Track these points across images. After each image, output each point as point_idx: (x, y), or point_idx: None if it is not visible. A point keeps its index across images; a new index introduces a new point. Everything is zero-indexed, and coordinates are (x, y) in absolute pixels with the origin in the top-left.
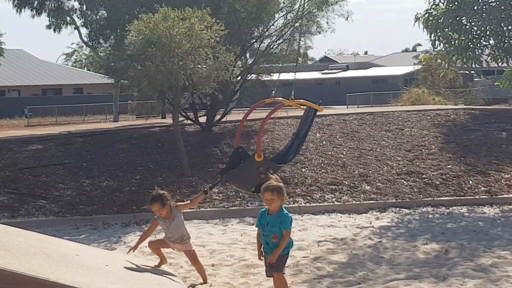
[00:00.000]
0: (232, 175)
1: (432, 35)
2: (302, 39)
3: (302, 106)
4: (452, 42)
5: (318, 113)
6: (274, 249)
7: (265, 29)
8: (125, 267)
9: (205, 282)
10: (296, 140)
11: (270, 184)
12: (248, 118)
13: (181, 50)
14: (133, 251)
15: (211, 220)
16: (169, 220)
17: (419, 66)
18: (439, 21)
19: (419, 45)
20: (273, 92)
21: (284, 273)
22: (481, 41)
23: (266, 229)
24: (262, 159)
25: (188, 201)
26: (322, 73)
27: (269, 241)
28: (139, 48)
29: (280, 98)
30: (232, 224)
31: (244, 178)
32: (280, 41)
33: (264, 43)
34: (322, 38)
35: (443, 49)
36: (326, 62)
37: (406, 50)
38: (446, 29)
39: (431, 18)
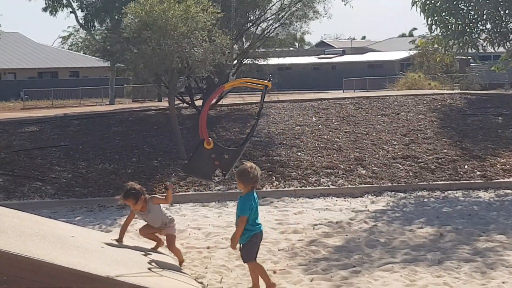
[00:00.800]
0: (189, 168)
1: (429, 19)
2: (298, 24)
3: (252, 84)
4: (449, 27)
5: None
6: None
7: (262, 13)
8: (121, 249)
9: (181, 262)
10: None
11: (238, 168)
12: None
13: (177, 33)
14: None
15: (207, 203)
16: (144, 213)
17: (416, 51)
18: (436, 5)
19: (415, 29)
20: (270, 75)
21: (255, 260)
22: (478, 25)
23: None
24: (212, 146)
25: (164, 197)
26: (319, 58)
27: (236, 224)
28: (135, 30)
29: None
30: (227, 207)
31: (199, 168)
32: (277, 25)
33: (260, 27)
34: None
35: (439, 34)
36: (322, 47)
37: (403, 35)
38: (443, 14)
39: (428, 2)
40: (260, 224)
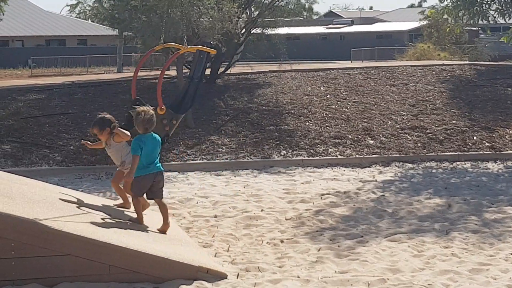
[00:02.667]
0: (136, 132)
1: None
2: None
3: (209, 49)
4: None
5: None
6: None
7: None
8: (128, 216)
9: (125, 206)
10: (191, 85)
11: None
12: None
13: (185, 0)
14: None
15: (214, 172)
16: (107, 146)
17: (425, 22)
18: None
19: (425, 1)
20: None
21: (140, 196)
22: None
23: None
24: (164, 112)
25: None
26: (327, 28)
27: None
28: None
29: (173, 44)
30: (235, 176)
31: None
32: None
33: None
34: None
35: (450, 4)
36: (331, 17)
37: (412, 6)
38: None
39: None
40: (155, 166)
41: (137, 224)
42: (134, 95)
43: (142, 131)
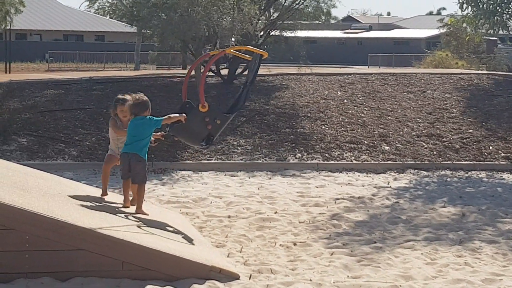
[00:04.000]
0: (178, 129)
1: None
2: None
3: (246, 56)
4: (480, 6)
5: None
6: None
7: None
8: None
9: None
10: (244, 89)
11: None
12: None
13: (206, 0)
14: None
15: (228, 172)
16: (122, 126)
17: (443, 30)
18: None
19: (444, 9)
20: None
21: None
22: (510, 5)
23: None
24: (206, 109)
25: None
26: (345, 33)
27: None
28: None
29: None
30: (249, 177)
31: (191, 131)
32: None
33: None
34: None
35: (470, 13)
36: (349, 22)
37: (431, 13)
38: None
39: None
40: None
41: (151, 222)
42: (185, 98)
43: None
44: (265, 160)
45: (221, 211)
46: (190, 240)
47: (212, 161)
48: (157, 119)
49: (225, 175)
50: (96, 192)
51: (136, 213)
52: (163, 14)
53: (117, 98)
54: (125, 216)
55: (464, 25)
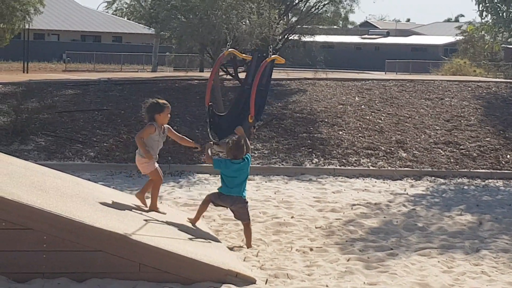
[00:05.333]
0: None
1: (480, 5)
2: (348, 1)
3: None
4: (500, 14)
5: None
6: None
7: None
8: (160, 216)
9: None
10: (264, 92)
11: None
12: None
13: (225, 4)
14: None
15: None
16: (164, 134)
17: (462, 37)
18: None
19: (462, 16)
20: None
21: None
22: None
23: None
24: (253, 120)
25: (180, 136)
26: (362, 38)
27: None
28: None
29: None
30: (266, 182)
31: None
32: (326, 2)
33: (309, 3)
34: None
35: (489, 20)
36: (366, 27)
37: (449, 20)
38: (495, 0)
39: None
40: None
41: (168, 224)
42: (208, 102)
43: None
44: (282, 164)
45: None
46: (206, 244)
47: None
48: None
49: None
50: (113, 193)
51: (248, 247)
52: (182, 17)
53: (162, 102)
54: (142, 218)
55: (483, 32)
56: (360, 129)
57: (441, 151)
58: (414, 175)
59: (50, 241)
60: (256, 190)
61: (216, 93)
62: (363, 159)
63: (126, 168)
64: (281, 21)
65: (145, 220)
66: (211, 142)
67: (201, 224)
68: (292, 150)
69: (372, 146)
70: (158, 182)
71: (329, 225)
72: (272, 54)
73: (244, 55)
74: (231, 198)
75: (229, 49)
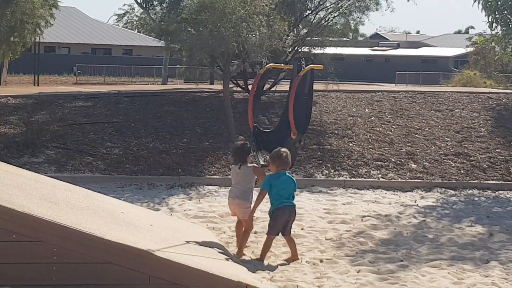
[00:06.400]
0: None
1: (490, 17)
2: (358, 14)
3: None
4: (510, 25)
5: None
6: None
7: (321, 1)
8: (170, 228)
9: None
10: (308, 102)
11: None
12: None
13: (235, 16)
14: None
15: (255, 188)
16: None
17: (471, 49)
18: (498, 2)
19: (472, 27)
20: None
21: (272, 235)
22: None
23: None
24: (296, 135)
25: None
26: (372, 50)
27: None
28: (194, 12)
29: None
30: None
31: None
32: (336, 14)
33: (319, 15)
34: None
35: (500, 32)
36: (377, 39)
37: (459, 32)
38: (505, 12)
39: (490, 0)
40: (286, 200)
41: (177, 236)
42: (252, 123)
43: (274, 169)
44: (292, 176)
45: None
46: (216, 255)
47: None
48: None
49: (255, 190)
50: (123, 205)
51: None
52: (192, 29)
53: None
54: (151, 230)
55: (493, 44)
56: (370, 140)
57: (451, 163)
58: (424, 187)
59: (60, 253)
60: (266, 201)
61: (226, 109)
62: (373, 170)
63: (137, 180)
64: (291, 33)
65: (155, 232)
66: (260, 165)
67: (210, 236)
68: (302, 161)
69: (382, 158)
70: (250, 229)
71: (339, 237)
72: (304, 64)
73: (283, 65)
74: (293, 208)
75: (267, 65)
